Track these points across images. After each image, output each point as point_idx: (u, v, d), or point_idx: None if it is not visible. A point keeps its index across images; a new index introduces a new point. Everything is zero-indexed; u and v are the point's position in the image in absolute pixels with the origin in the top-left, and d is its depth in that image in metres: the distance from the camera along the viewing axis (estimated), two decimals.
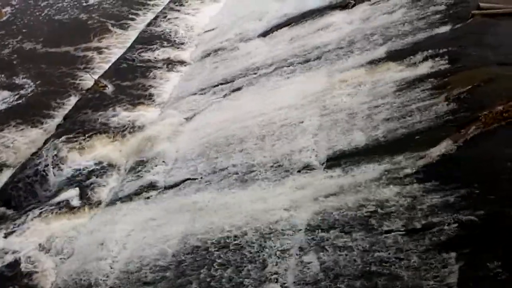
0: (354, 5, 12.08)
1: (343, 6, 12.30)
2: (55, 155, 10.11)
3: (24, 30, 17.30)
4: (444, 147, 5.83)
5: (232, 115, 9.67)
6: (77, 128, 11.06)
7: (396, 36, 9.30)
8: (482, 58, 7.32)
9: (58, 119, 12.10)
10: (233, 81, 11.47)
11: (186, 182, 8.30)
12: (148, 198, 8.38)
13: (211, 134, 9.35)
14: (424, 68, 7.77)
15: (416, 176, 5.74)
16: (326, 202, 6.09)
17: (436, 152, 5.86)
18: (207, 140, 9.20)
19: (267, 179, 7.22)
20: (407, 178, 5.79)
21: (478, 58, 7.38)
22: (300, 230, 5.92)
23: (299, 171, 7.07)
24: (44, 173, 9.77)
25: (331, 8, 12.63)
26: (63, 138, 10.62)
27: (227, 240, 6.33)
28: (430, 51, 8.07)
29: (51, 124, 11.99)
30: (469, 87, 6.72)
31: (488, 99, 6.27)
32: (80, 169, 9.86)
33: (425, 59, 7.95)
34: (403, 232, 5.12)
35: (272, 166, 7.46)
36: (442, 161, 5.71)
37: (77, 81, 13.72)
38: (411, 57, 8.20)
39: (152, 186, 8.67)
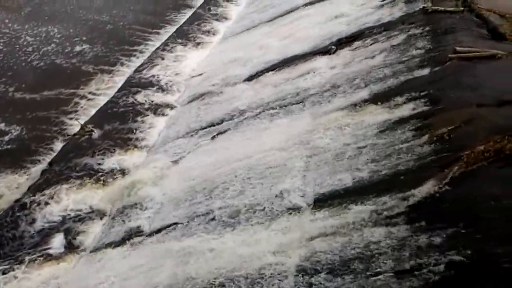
0: (335, 51, 12.44)
1: (325, 52, 12.68)
2: (39, 201, 9.93)
3: (9, 73, 17.34)
4: (428, 187, 5.89)
5: (218, 158, 9.69)
6: (62, 173, 10.93)
7: (377, 79, 9.56)
8: (461, 100, 7.52)
9: (43, 165, 11.96)
10: (219, 124, 11.58)
11: (172, 226, 8.18)
12: (133, 244, 8.22)
13: (198, 177, 9.32)
14: (406, 110, 7.95)
15: (402, 216, 5.75)
16: (314, 245, 6.03)
17: (421, 192, 5.91)
18: (193, 184, 9.16)
19: (255, 222, 7.17)
20: (394, 218, 5.79)
21: (458, 99, 7.58)
22: (289, 274, 5.83)
23: (286, 213, 7.05)
24: (27, 220, 9.56)
25: (313, 54, 13.00)
26: (48, 184, 10.48)
27: (215, 287, 6.19)
28: (411, 93, 8.28)
29: (36, 170, 11.81)
30: (450, 127, 6.86)
31: (469, 139, 6.39)
32: (64, 216, 9.68)
33: (406, 101, 8.14)
34: (392, 274, 5.08)
35: (259, 209, 7.42)
36: (427, 201, 5.75)
37: (63, 126, 13.67)
38: (393, 99, 8.40)
39: (137, 231, 8.53)
